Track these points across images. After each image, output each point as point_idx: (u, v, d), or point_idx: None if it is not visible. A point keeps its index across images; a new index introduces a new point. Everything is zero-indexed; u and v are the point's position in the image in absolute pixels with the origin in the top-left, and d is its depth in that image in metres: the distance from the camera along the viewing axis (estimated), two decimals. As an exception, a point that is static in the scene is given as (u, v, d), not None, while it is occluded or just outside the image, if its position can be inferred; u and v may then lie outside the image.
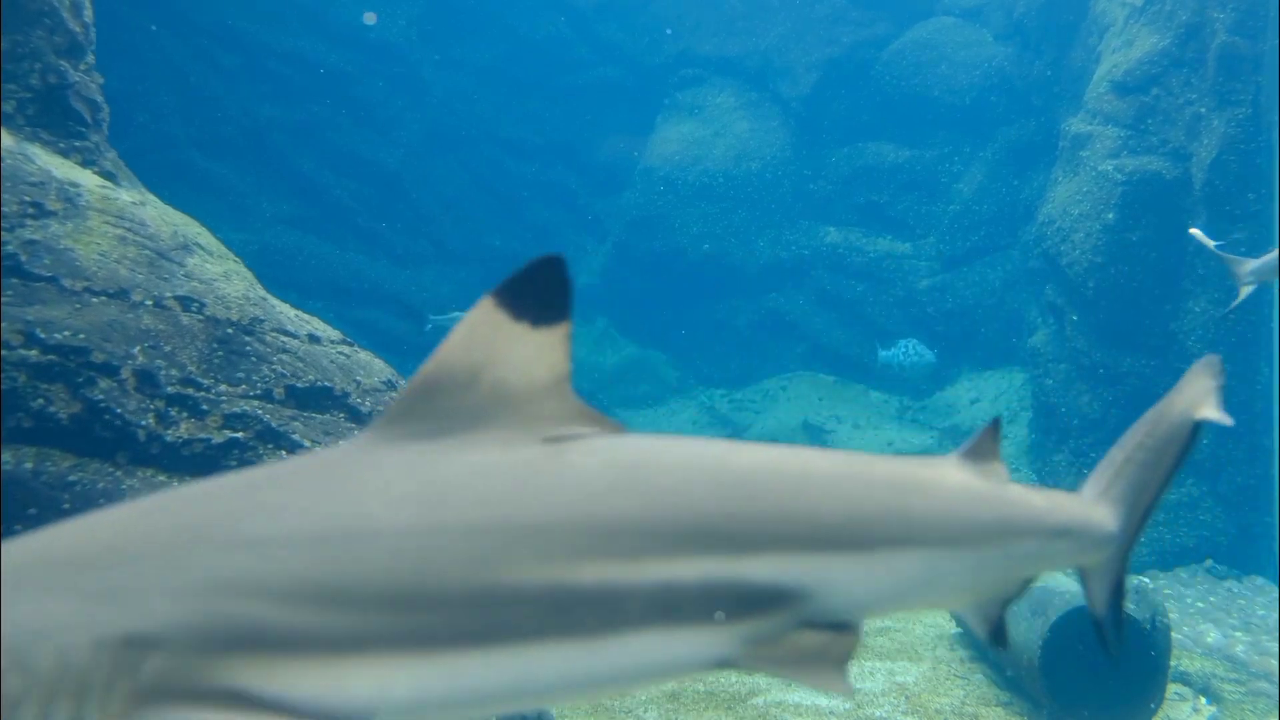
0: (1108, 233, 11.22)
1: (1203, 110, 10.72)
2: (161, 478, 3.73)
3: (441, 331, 13.61)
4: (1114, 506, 2.23)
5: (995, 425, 2.10)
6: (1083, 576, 2.26)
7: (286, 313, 4.63)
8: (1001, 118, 15.54)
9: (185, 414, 3.88)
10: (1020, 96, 15.22)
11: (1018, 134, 15.32)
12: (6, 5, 4.23)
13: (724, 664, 1.71)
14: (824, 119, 16.85)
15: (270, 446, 4.03)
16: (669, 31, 18.18)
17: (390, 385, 4.66)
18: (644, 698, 6.88)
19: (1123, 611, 2.28)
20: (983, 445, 2.05)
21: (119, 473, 3.64)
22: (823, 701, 6.85)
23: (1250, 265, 9.07)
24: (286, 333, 4.47)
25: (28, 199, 3.90)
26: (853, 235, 16.40)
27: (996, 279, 15.18)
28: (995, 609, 2.09)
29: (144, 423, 3.75)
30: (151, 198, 4.78)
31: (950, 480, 1.95)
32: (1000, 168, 15.50)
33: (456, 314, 11.89)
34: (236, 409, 4.00)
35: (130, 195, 4.49)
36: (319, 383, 4.34)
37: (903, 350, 14.79)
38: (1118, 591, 2.28)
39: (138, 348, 3.85)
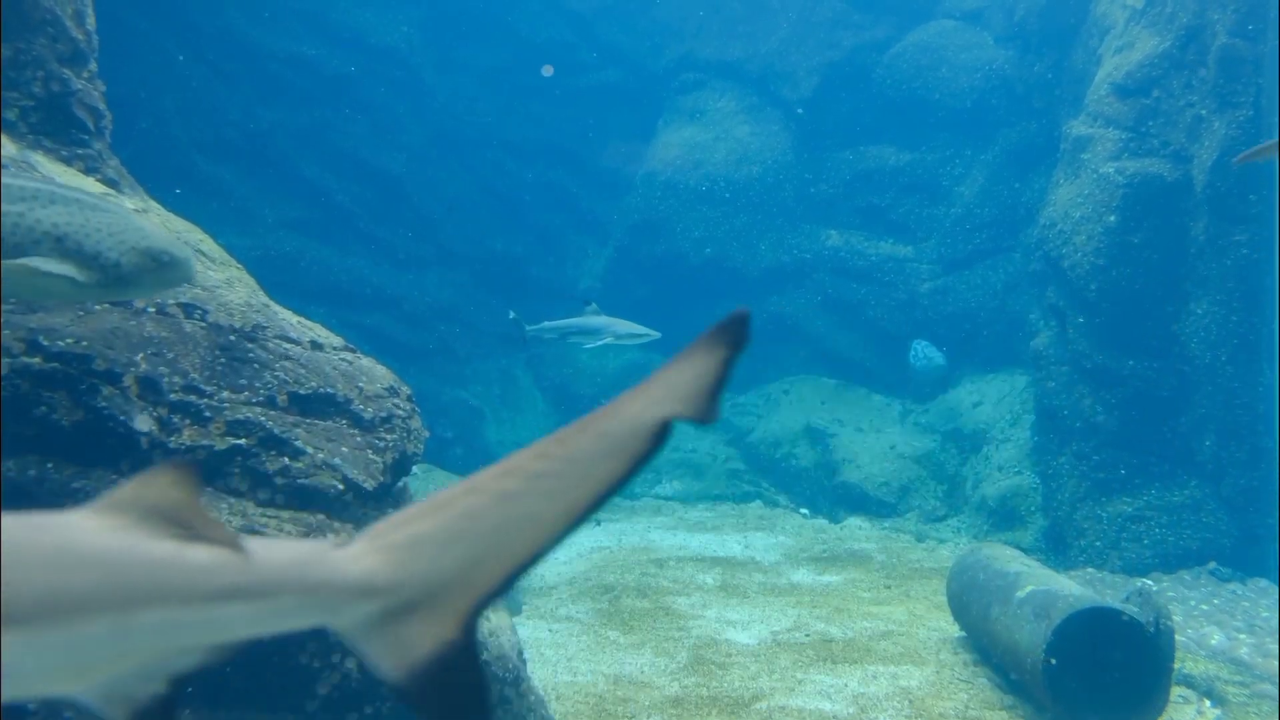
0: (1109, 235, 11.22)
1: (1203, 112, 10.73)
2: (165, 485, 3.73)
3: (540, 342, 13.15)
4: (396, 554, 1.71)
5: (187, 469, 1.72)
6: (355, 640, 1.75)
7: (289, 319, 4.63)
8: (1002, 120, 15.55)
9: (188, 421, 3.88)
10: (1021, 99, 15.23)
11: (1019, 137, 15.33)
12: (10, 14, 4.24)
13: None
14: (825, 122, 16.87)
15: (273, 453, 4.04)
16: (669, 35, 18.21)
17: (392, 391, 4.66)
18: (647, 703, 6.89)
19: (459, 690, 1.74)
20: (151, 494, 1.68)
21: (122, 480, 3.64)
22: (826, 706, 6.86)
23: None
24: (289, 339, 4.47)
25: (31, 207, 3.90)
26: (854, 238, 16.41)
27: (998, 282, 15.18)
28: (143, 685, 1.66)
29: (147, 430, 3.76)
30: (154, 204, 4.79)
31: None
32: (1001, 170, 15.51)
33: (549, 324, 11.86)
34: (239, 416, 4.01)
35: (133, 202, 4.50)
36: (322, 389, 4.35)
37: (912, 354, 14.79)
38: (442, 662, 1.72)
39: (140, 355, 3.85)
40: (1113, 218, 11.19)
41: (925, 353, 14.74)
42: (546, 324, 11.90)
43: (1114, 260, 11.19)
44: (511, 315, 12.53)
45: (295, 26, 15.60)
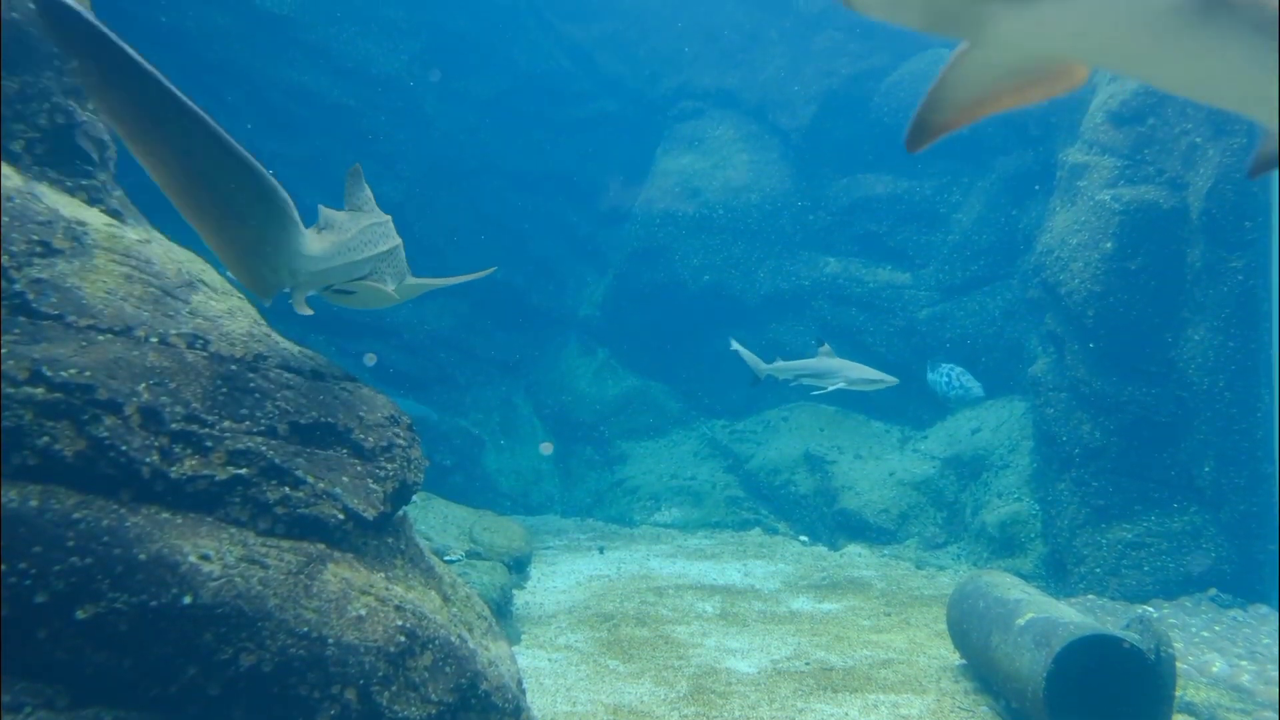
0: (1106, 262, 11.27)
1: (1198, 140, 10.80)
2: (166, 515, 3.74)
3: (774, 382, 12.69)
4: None
5: None
6: None
7: (290, 349, 4.66)
8: (999, 148, 15.63)
9: (189, 451, 3.90)
10: (1018, 127, 15.32)
11: (1015, 164, 15.42)
12: (17, 47, 4.29)
13: None
14: (823, 150, 16.97)
15: (274, 483, 4.05)
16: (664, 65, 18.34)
17: (393, 421, 4.68)
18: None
19: None
20: None
21: (123, 510, 3.65)
22: (835, 709, 6.83)
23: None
24: (290, 369, 4.50)
25: (35, 238, 3.94)
26: (852, 265, 16.47)
27: (996, 308, 15.23)
28: None
29: (148, 460, 3.77)
30: (157, 235, 4.83)
31: None
32: (999, 198, 15.59)
33: (783, 364, 11.58)
34: (241, 445, 4.02)
35: (136, 233, 4.53)
36: (322, 419, 4.36)
37: (946, 377, 13.96)
38: None
39: (143, 385, 3.87)
40: (1109, 244, 11.24)
41: (961, 381, 13.66)
42: (780, 364, 11.60)
43: (1111, 287, 11.23)
44: (734, 346, 11.95)
45: (297, 57, 15.72)
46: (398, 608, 4.18)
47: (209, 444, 3.96)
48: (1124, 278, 11.18)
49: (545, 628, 9.45)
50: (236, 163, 4.27)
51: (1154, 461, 11.05)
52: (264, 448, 4.09)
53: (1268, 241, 10.39)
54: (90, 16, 3.85)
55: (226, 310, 4.51)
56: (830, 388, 10.95)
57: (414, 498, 4.79)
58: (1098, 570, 10.84)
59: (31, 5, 4.31)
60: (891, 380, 10.81)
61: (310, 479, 4.16)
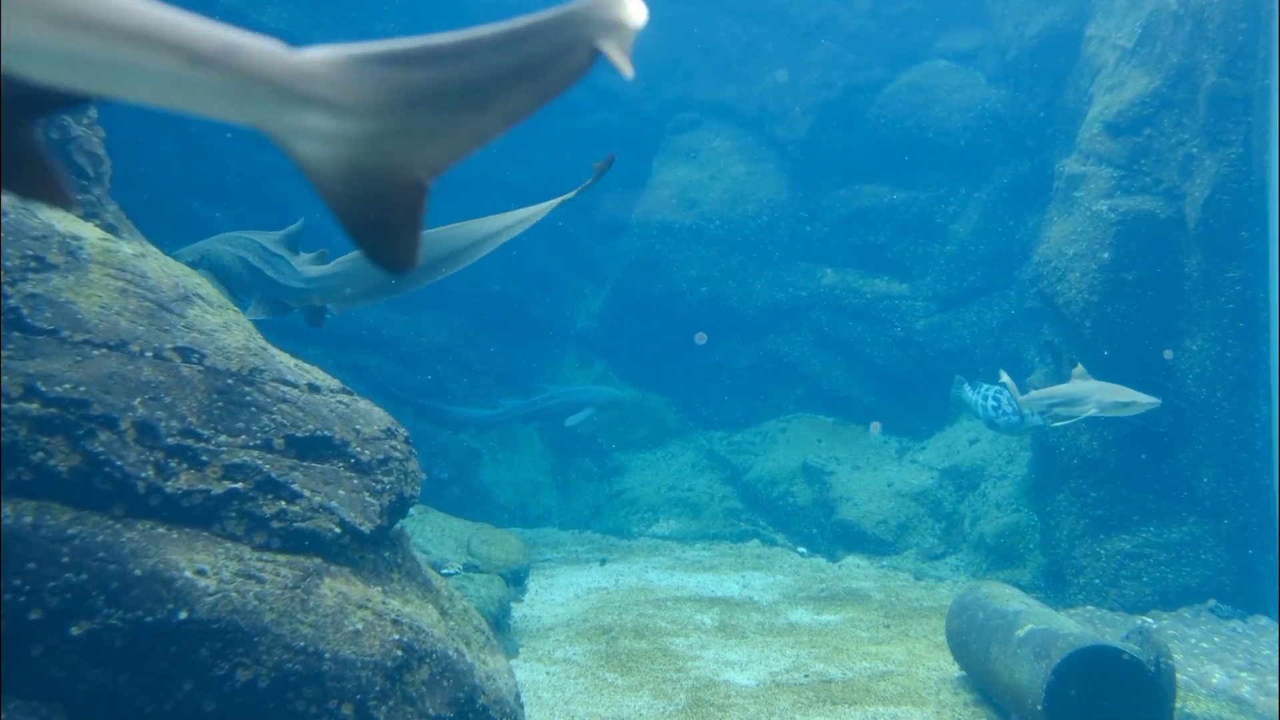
0: (1104, 272, 11.27)
1: (1195, 150, 10.81)
2: (161, 529, 3.73)
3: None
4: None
5: None
6: None
7: (286, 362, 4.65)
8: (996, 159, 15.66)
9: (185, 465, 3.89)
10: (1014, 138, 15.35)
11: (1012, 175, 15.44)
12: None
13: None
14: (820, 161, 16.98)
15: (270, 497, 4.04)
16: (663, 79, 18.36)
17: (390, 434, 4.67)
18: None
19: None
20: None
21: (118, 525, 3.64)
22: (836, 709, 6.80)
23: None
24: (286, 382, 4.48)
25: (30, 253, 3.93)
26: (850, 277, 16.47)
27: (994, 319, 15.23)
28: None
29: (144, 474, 3.76)
30: (152, 249, 4.82)
31: None
32: (995, 208, 15.60)
33: (1037, 394, 10.13)
34: (236, 459, 4.01)
35: (131, 247, 4.53)
36: (319, 432, 4.35)
37: (994, 402, 11.70)
38: None
39: (138, 399, 3.86)
40: (1107, 255, 11.25)
41: (1014, 406, 11.30)
42: (1034, 394, 10.09)
43: (1108, 297, 11.23)
44: (1003, 379, 10.44)
45: (293, 70, 15.72)
46: (395, 622, 4.16)
47: (205, 458, 3.94)
48: (1121, 288, 11.18)
49: (543, 641, 9.42)
50: None
51: (1152, 472, 11.04)
52: (260, 461, 4.08)
53: (1265, 251, 10.40)
54: None
55: (222, 324, 4.50)
56: (1081, 415, 9.44)
57: (411, 510, 4.78)
58: (1096, 581, 10.82)
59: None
60: (1152, 401, 9.23)
61: (306, 493, 4.15)
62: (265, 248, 6.69)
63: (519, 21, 1.63)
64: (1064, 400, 9.58)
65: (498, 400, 15.38)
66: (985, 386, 11.89)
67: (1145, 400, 9.09)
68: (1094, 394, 9.32)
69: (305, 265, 6.86)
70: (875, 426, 15.12)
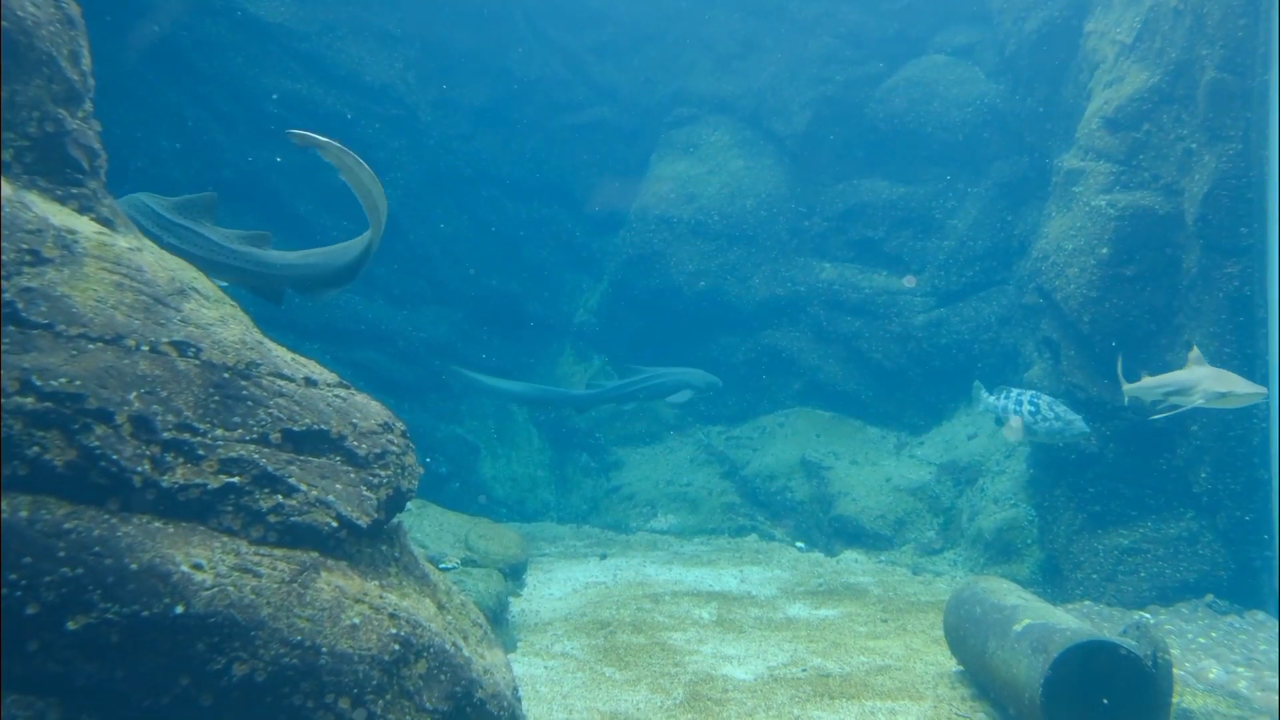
0: (1102, 267, 11.27)
1: (1194, 146, 10.80)
2: (157, 524, 3.72)
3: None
4: None
5: None
6: None
7: (283, 356, 4.63)
8: (995, 154, 15.65)
9: (181, 459, 3.87)
10: (1013, 133, 15.34)
11: (1011, 170, 15.44)
12: (6, 55, 4.27)
13: None
14: (818, 156, 16.97)
15: (267, 491, 4.03)
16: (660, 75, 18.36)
17: (387, 428, 4.66)
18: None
19: None
20: None
21: (114, 519, 3.63)
22: (832, 716, 6.81)
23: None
24: (283, 376, 4.47)
25: (25, 246, 3.91)
26: (848, 271, 16.47)
27: (992, 314, 15.24)
28: None
29: (140, 469, 3.74)
30: (148, 243, 4.80)
31: None
32: (994, 203, 15.60)
33: (1150, 381, 9.59)
34: (233, 454, 4.00)
35: (127, 241, 4.51)
36: (315, 426, 4.34)
37: (1033, 407, 10.91)
38: None
39: (134, 394, 3.85)
40: (1105, 250, 11.24)
41: (1055, 412, 10.66)
42: (1146, 380, 9.56)
43: (1106, 292, 11.23)
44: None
45: (291, 66, 15.68)
46: (392, 615, 4.16)
47: (201, 452, 3.93)
48: (1119, 283, 11.18)
49: (541, 635, 9.42)
50: None
51: (1150, 468, 11.04)
52: (256, 455, 4.07)
53: (1264, 247, 10.39)
54: None
55: (219, 318, 4.48)
56: (1188, 406, 8.88)
57: (409, 505, 4.77)
58: (1094, 576, 10.83)
59: (19, 13, 4.29)
60: (1258, 391, 8.59)
61: (303, 487, 4.14)
62: (159, 213, 6.63)
63: None
64: (1176, 388, 9.07)
65: (600, 381, 15.43)
66: (1014, 391, 11.29)
67: (1249, 390, 8.52)
68: (1203, 381, 8.76)
69: (236, 242, 7.02)
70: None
